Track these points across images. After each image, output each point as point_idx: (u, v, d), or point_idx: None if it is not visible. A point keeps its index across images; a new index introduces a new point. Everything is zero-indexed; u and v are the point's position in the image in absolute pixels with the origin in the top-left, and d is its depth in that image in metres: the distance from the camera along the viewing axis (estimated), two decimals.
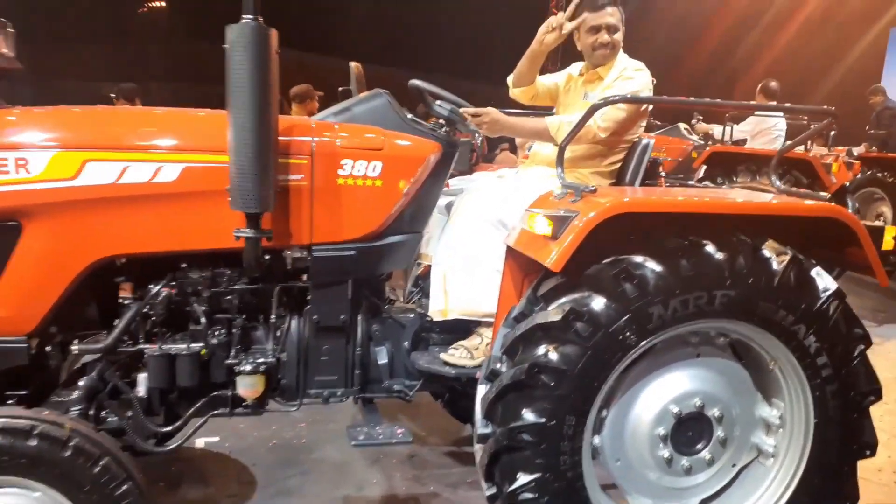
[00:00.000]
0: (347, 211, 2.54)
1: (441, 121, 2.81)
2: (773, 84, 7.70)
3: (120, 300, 2.57)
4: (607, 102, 2.43)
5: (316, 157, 2.45)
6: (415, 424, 3.93)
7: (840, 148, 8.77)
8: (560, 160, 2.43)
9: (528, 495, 2.23)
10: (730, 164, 7.32)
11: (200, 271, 2.50)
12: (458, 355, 2.69)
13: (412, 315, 2.87)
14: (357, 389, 2.74)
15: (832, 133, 7.96)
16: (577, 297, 2.19)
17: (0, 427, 1.91)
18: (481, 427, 2.35)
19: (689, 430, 2.44)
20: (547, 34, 2.94)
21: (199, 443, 3.62)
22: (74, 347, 2.44)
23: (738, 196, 2.49)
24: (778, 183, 2.69)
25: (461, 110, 2.75)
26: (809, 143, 7.54)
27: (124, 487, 2.02)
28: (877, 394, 2.47)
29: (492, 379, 2.33)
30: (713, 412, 2.44)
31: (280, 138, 2.37)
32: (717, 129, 7.99)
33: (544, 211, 2.20)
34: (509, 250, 2.52)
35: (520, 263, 2.55)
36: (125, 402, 2.51)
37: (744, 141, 7.79)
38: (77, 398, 2.33)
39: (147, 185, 2.30)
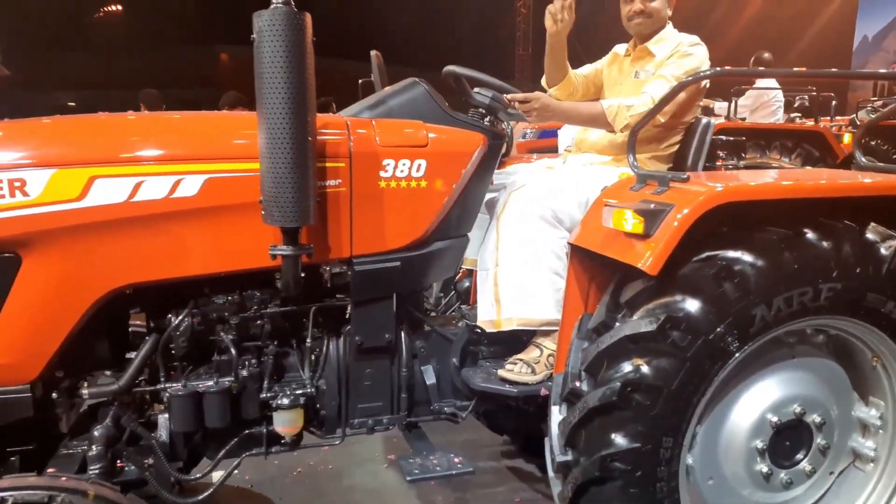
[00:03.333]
0: (390, 217, 2.24)
1: (481, 110, 2.52)
2: (767, 55, 7.61)
3: (133, 332, 2.29)
4: (700, 77, 2.14)
5: (354, 159, 2.15)
6: (445, 439, 3.65)
7: (841, 118, 8.60)
8: (632, 146, 2.15)
9: None
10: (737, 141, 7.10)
11: (226, 295, 2.19)
12: (518, 370, 2.41)
13: (459, 328, 2.58)
14: (404, 415, 2.45)
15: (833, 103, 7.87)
16: (670, 303, 1.92)
17: (14, 502, 1.59)
18: (560, 455, 2.08)
19: (787, 439, 2.20)
20: (554, 23, 2.64)
21: (216, 476, 3.30)
22: (85, 392, 2.13)
23: (837, 176, 2.22)
24: (863, 159, 2.43)
25: (508, 96, 2.46)
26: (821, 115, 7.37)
27: None
28: None
29: (571, 400, 2.06)
30: (813, 418, 2.20)
31: None
32: (717, 105, 7.78)
33: (632, 205, 1.91)
34: (574, 250, 2.25)
35: (584, 264, 2.27)
36: (144, 449, 2.20)
37: (743, 117, 7.61)
38: (97, 454, 2.01)
39: (165, 201, 1.98)
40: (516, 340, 2.59)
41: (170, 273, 2.06)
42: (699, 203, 1.84)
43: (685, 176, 1.95)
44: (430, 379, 2.49)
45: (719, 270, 1.91)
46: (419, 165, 2.24)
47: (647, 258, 1.85)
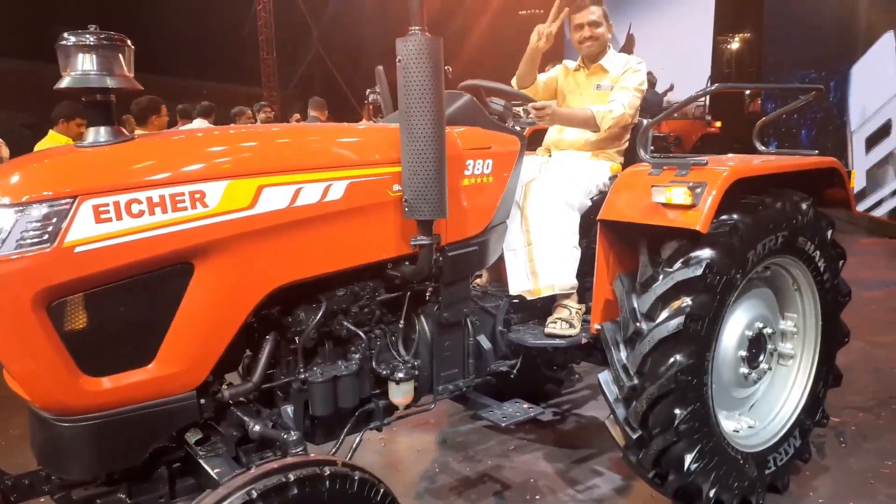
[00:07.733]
0: (471, 208, 2.66)
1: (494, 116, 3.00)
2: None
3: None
4: (709, 91, 2.85)
5: (449, 162, 2.51)
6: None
7: None
8: (643, 143, 2.83)
9: (685, 426, 2.63)
10: None
11: (346, 287, 2.43)
12: (560, 327, 2.97)
13: (500, 300, 3.05)
14: (472, 377, 2.86)
15: None
16: (702, 254, 2.62)
17: (297, 478, 1.76)
18: (628, 381, 2.68)
19: (753, 348, 3.05)
20: (538, 41, 3.24)
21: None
22: (226, 393, 2.23)
23: (780, 158, 3.08)
24: (762, 147, 3.41)
25: (529, 105, 2.99)
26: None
27: None
28: (850, 295, 3.32)
29: (634, 339, 2.67)
30: (766, 330, 3.08)
31: None
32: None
33: (681, 183, 2.57)
34: (603, 224, 2.86)
35: (609, 236, 2.91)
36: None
37: None
38: (296, 439, 2.15)
39: (317, 205, 2.19)
40: (532, 307, 3.14)
41: (318, 270, 2.26)
42: (725, 179, 2.57)
43: (705, 161, 2.67)
44: (486, 345, 2.92)
45: (730, 228, 2.66)
46: (488, 164, 2.68)
47: (701, 220, 2.52)
